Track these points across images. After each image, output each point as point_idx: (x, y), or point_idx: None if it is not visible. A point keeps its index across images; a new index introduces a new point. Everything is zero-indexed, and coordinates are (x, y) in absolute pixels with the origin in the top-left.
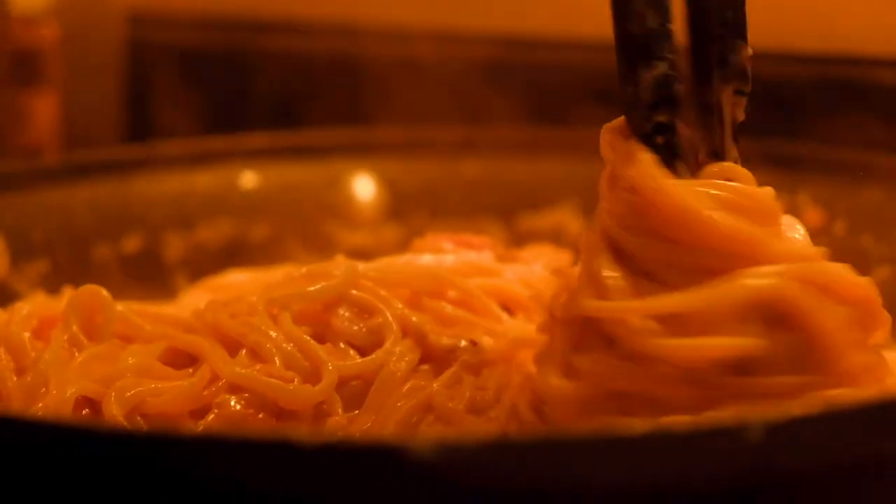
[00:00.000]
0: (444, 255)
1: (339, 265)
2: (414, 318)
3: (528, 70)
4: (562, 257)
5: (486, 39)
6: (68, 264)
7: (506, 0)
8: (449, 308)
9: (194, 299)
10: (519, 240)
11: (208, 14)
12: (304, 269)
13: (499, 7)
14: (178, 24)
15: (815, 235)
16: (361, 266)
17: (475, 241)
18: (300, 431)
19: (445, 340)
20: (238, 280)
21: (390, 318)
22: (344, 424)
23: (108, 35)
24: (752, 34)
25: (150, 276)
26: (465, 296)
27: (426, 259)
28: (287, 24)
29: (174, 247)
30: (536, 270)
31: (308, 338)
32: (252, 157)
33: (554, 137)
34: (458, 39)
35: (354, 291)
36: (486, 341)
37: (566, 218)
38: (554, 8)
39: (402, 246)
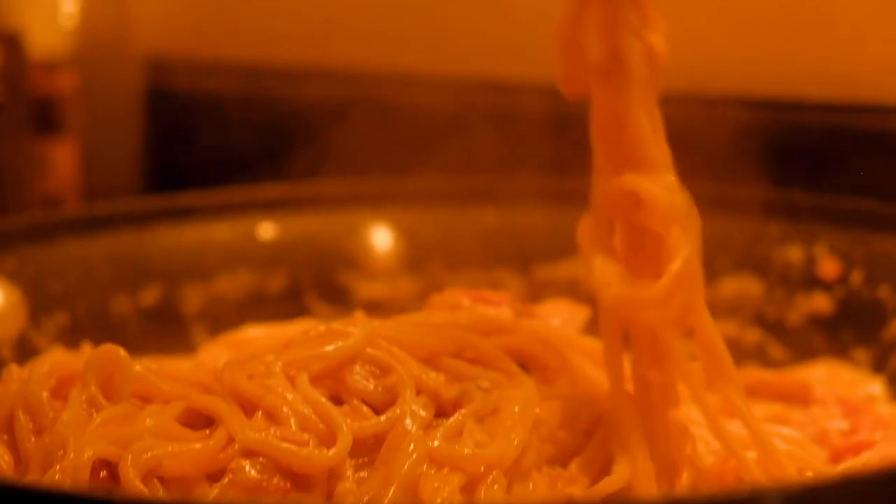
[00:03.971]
0: (461, 311)
1: (357, 323)
2: (429, 376)
3: (544, 118)
4: (579, 312)
5: (503, 87)
6: (87, 317)
7: (523, 48)
8: (465, 366)
9: (212, 355)
10: (536, 290)
11: (227, 60)
12: (321, 328)
13: (515, 55)
14: (196, 71)
15: (832, 286)
16: (378, 323)
17: (492, 297)
18: None
19: (455, 391)
20: (256, 335)
21: (405, 377)
22: (353, 489)
23: (127, 82)
24: (766, 84)
25: (168, 328)
26: (481, 355)
27: (443, 316)
28: (307, 71)
29: (192, 298)
30: (553, 326)
31: (324, 400)
32: (270, 207)
33: (570, 187)
34: (476, 87)
35: (370, 350)
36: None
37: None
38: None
39: (420, 297)
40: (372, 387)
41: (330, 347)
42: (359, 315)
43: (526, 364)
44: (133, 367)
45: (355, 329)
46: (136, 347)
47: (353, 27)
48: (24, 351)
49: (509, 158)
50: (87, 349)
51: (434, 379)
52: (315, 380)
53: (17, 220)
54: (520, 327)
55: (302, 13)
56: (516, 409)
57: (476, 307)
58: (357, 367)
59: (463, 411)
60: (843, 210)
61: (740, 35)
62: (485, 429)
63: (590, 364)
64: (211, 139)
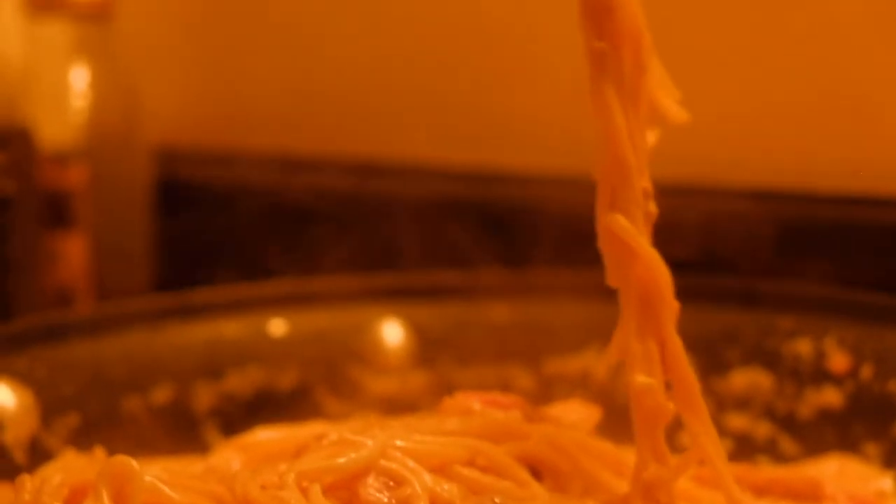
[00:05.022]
0: (473, 417)
1: (370, 430)
2: (443, 488)
3: (552, 211)
4: (590, 413)
5: (510, 179)
6: (99, 418)
7: (535, 140)
8: (477, 475)
9: (225, 459)
10: (546, 385)
11: (238, 151)
12: (334, 436)
13: (527, 147)
14: (207, 162)
15: (843, 380)
16: (391, 430)
17: (503, 400)
18: None
19: None
20: (268, 438)
21: (419, 489)
22: None
23: (138, 174)
24: (778, 177)
25: (179, 426)
26: (494, 463)
27: (455, 422)
28: (319, 162)
29: (203, 396)
30: (565, 429)
31: None
32: (280, 304)
33: (579, 280)
34: (487, 179)
35: (383, 461)
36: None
37: (591, 362)
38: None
39: (430, 392)
40: (385, 499)
41: (343, 459)
42: (372, 420)
43: (538, 469)
44: (144, 477)
45: (369, 440)
46: (149, 447)
47: (365, 118)
48: (37, 453)
49: (517, 252)
50: (99, 455)
51: (448, 491)
52: (328, 491)
53: (27, 321)
54: (531, 432)
55: (314, 104)
56: None
57: (487, 411)
58: (370, 479)
59: None
60: (853, 303)
61: (753, 127)
62: None
63: (602, 467)
64: (221, 230)
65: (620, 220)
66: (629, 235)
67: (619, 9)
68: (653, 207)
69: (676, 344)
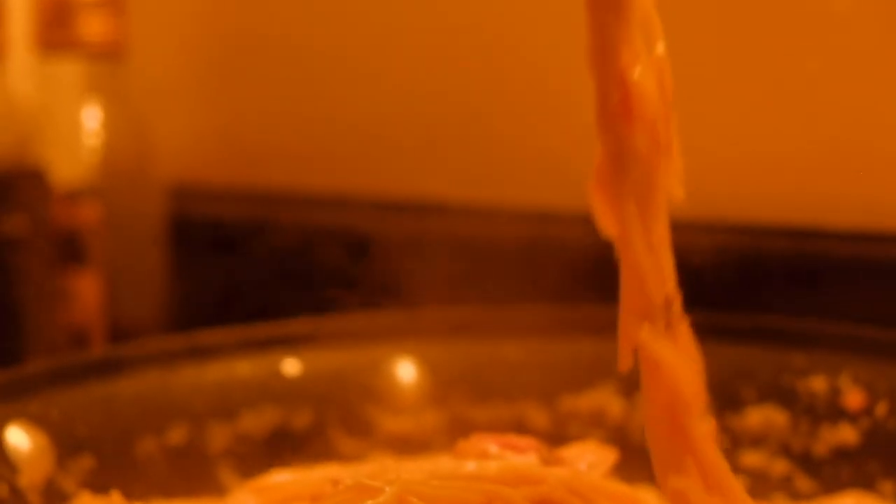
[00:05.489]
0: (489, 461)
1: (386, 474)
2: None
3: (567, 247)
4: (606, 454)
5: (522, 215)
6: (113, 459)
7: (545, 178)
8: None
9: (240, 502)
10: (561, 423)
11: (250, 188)
12: (349, 482)
13: (538, 185)
14: (220, 199)
15: (858, 417)
16: (407, 475)
17: (519, 442)
18: None
19: None
20: (283, 481)
21: None
22: None
23: (150, 212)
24: (789, 213)
25: (194, 468)
26: None
27: (471, 466)
28: (332, 200)
29: (218, 437)
30: (581, 472)
31: None
32: (293, 343)
33: (592, 316)
34: (497, 216)
35: None
36: None
37: (607, 399)
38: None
39: (444, 431)
40: None
41: None
42: (387, 461)
43: None
44: None
45: (386, 486)
46: (164, 489)
47: (380, 155)
48: (52, 495)
49: (531, 288)
50: (116, 498)
51: None
52: None
53: (40, 363)
54: (547, 476)
55: (327, 142)
56: None
57: (503, 454)
58: None
59: None
60: (868, 340)
61: (762, 163)
62: None
63: None
64: (234, 268)
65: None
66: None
67: (638, 118)
68: (677, 311)
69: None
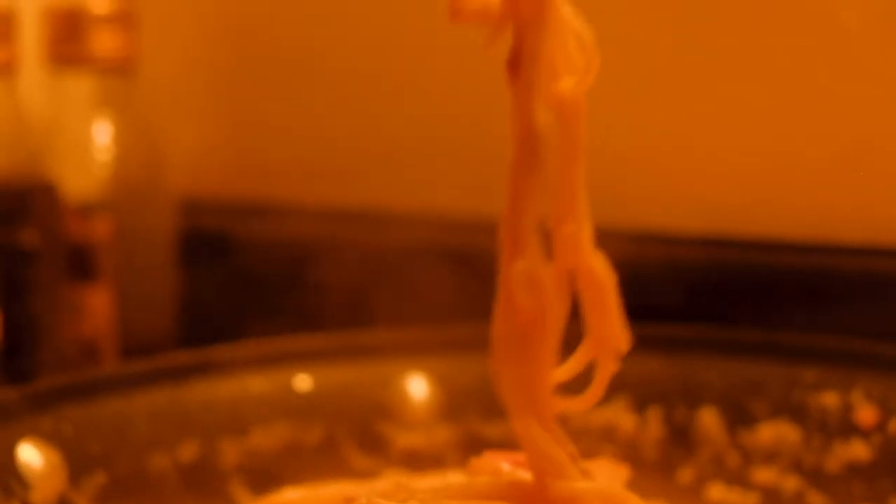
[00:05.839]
0: (501, 478)
1: (399, 493)
2: None
3: None
4: (618, 472)
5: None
6: (126, 476)
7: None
8: None
9: None
10: (572, 438)
11: (262, 201)
12: (363, 500)
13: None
14: (231, 213)
15: (870, 433)
16: (420, 494)
17: None
18: None
19: None
20: (295, 498)
21: None
22: None
23: (162, 225)
24: (801, 228)
25: (206, 484)
26: None
27: (483, 484)
28: (344, 214)
29: (230, 453)
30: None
31: None
32: (305, 359)
33: None
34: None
35: None
36: None
37: (618, 415)
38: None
39: (456, 446)
40: None
41: None
42: (399, 479)
43: None
44: None
45: None
46: None
47: (389, 169)
48: None
49: None
50: None
51: None
52: None
53: (52, 380)
54: (557, 491)
55: (338, 155)
56: None
57: (516, 472)
58: None
59: None
60: (880, 356)
61: (776, 178)
62: None
63: None
64: (245, 282)
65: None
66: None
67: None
68: None
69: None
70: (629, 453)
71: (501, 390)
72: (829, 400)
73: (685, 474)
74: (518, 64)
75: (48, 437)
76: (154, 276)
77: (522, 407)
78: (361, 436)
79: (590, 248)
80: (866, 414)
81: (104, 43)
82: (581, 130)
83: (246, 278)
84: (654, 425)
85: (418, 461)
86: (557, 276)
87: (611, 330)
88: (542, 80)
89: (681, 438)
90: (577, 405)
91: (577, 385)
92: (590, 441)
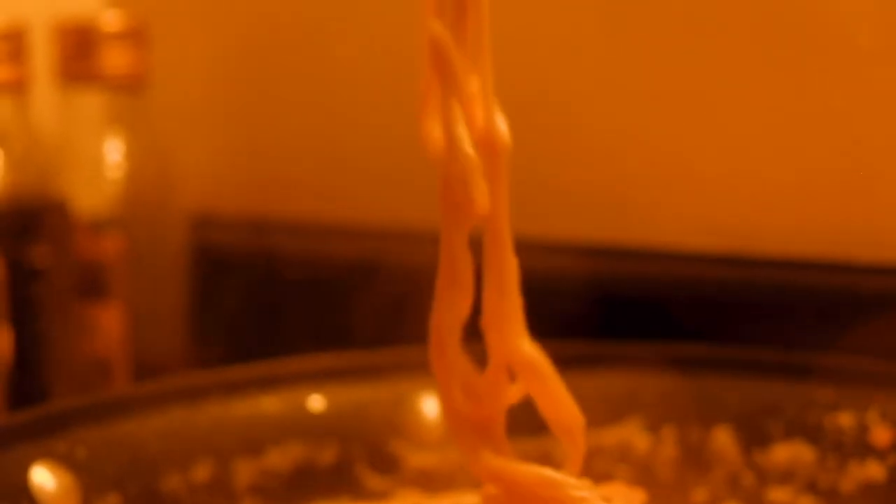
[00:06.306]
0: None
1: None
2: None
3: (588, 280)
4: (634, 496)
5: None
6: (139, 497)
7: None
8: None
9: None
10: (587, 457)
11: (274, 217)
12: None
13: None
14: (242, 228)
15: (886, 454)
16: None
17: None
18: None
19: None
20: None
21: None
22: None
23: (173, 242)
24: (816, 246)
25: None
26: None
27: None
28: (358, 229)
29: (243, 473)
30: None
31: None
32: (319, 378)
33: (616, 351)
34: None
35: None
36: None
37: (632, 434)
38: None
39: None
40: None
41: None
42: (413, 500)
43: None
44: None
45: None
46: None
47: (403, 185)
48: None
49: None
50: None
51: None
52: None
53: (65, 402)
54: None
55: (349, 171)
56: None
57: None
58: None
59: None
60: (895, 376)
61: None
62: None
63: None
64: (257, 298)
65: None
66: None
67: None
68: None
69: None
70: (643, 473)
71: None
72: (845, 420)
73: (699, 494)
74: None
75: (61, 460)
76: (166, 293)
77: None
78: (375, 456)
79: (520, 341)
80: (882, 434)
81: (115, 60)
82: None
83: (258, 295)
84: (668, 445)
85: (432, 481)
86: (493, 377)
87: (565, 412)
88: None
89: (695, 458)
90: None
91: None
92: (604, 461)
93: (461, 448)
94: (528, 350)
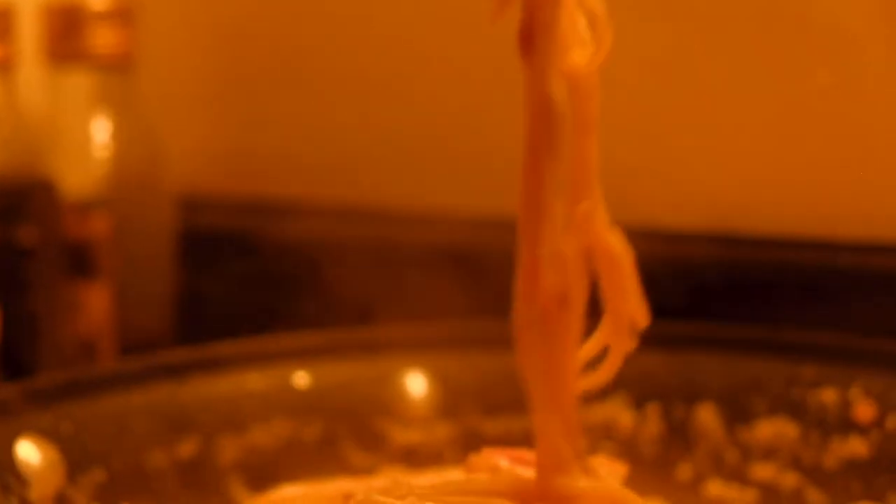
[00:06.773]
0: (500, 475)
1: (397, 489)
2: None
3: None
4: (617, 469)
5: None
6: (124, 473)
7: None
8: None
9: None
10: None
11: (262, 198)
12: (360, 497)
13: None
14: (230, 210)
15: (868, 430)
16: (418, 491)
17: (530, 457)
18: None
19: None
20: (294, 495)
21: None
22: None
23: (161, 223)
24: (799, 224)
25: (204, 481)
26: None
27: (482, 481)
28: (347, 211)
29: (228, 450)
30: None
31: None
32: (304, 356)
33: None
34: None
35: None
36: None
37: (616, 411)
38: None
39: (455, 443)
40: None
41: None
42: (397, 475)
43: None
44: None
45: (398, 501)
46: (174, 502)
47: (390, 166)
48: None
49: None
50: None
51: None
52: None
53: (50, 376)
54: (558, 489)
55: (338, 152)
56: None
57: (514, 469)
58: None
59: None
60: (878, 352)
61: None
62: None
63: None
64: (245, 279)
65: None
66: None
67: None
68: None
69: None
70: (627, 450)
71: (526, 381)
72: (828, 396)
73: (684, 471)
74: (531, 38)
75: (46, 434)
76: (153, 273)
77: (547, 400)
78: (360, 433)
79: (606, 225)
80: (865, 410)
81: (103, 39)
82: (595, 106)
83: (245, 275)
84: (652, 422)
85: (417, 458)
86: (577, 255)
87: (628, 306)
88: (557, 54)
89: (679, 435)
90: (590, 383)
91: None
92: (588, 437)
93: (524, 362)
94: (612, 236)
